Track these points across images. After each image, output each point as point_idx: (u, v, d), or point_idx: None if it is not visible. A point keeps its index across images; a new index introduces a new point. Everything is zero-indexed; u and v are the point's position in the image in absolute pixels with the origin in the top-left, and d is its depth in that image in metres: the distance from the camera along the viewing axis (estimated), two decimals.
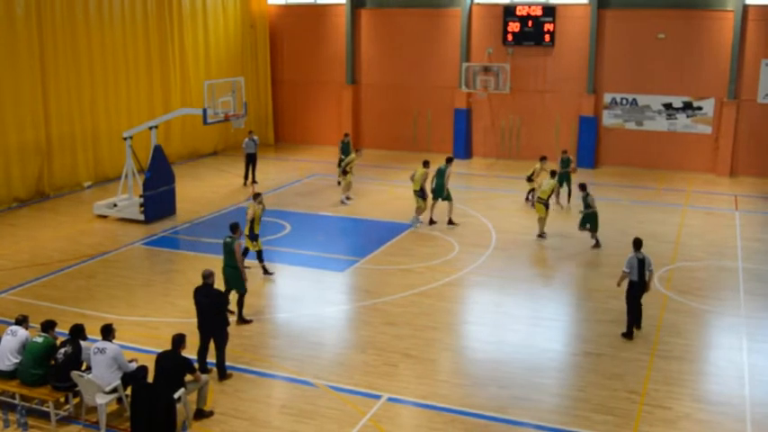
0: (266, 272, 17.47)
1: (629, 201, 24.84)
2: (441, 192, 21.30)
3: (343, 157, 25.26)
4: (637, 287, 14.26)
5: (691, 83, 28.71)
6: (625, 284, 14.41)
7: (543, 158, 23.42)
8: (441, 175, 21.28)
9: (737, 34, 27.55)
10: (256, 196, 17.53)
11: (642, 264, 14.19)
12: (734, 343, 14.25)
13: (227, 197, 24.97)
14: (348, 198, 24.22)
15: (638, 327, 14.54)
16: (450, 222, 21.41)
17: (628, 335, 14.31)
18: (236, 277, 14.61)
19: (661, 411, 11.73)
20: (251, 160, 26.55)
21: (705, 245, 20.10)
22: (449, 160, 21.67)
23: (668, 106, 29.17)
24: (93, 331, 13.16)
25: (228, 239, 14.65)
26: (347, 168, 23.86)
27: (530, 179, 23.25)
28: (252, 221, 16.92)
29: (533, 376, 12.84)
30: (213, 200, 24.36)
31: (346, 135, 27.07)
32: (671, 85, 28.98)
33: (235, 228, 14.94)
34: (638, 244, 14.39)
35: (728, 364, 13.35)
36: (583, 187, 19.92)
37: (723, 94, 28.33)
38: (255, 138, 26.75)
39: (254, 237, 16.98)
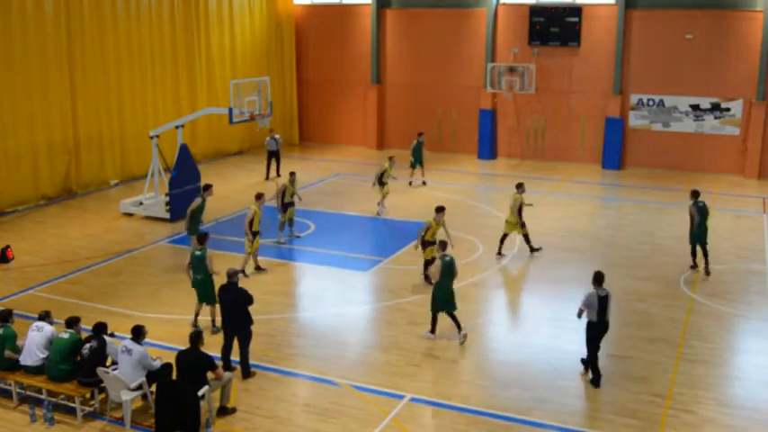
0: (259, 268, 17.92)
1: (655, 203, 24.61)
2: None
3: (412, 159, 26.41)
4: (596, 328, 12.43)
5: (719, 84, 28.39)
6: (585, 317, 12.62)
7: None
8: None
9: (767, 35, 27.19)
10: (259, 197, 17.78)
11: (604, 301, 12.34)
12: (761, 347, 14.10)
13: (252, 196, 25.00)
14: (383, 208, 23.06)
15: (596, 384, 12.43)
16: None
17: (594, 381, 12.52)
18: (207, 287, 14.17)
19: (686, 415, 11.62)
20: (273, 157, 28.03)
21: (732, 248, 19.87)
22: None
23: (696, 107, 28.87)
24: (117, 328, 13.31)
25: (198, 252, 14.16)
26: (384, 179, 22.78)
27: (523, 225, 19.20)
28: (251, 221, 17.26)
29: (557, 378, 12.78)
30: (238, 199, 24.44)
31: (420, 135, 26.85)
32: (698, 87, 28.67)
33: (202, 239, 14.46)
34: (599, 278, 12.46)
35: (755, 369, 13.20)
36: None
37: (752, 96, 27.97)
38: (277, 136, 27.96)
39: (253, 234, 17.31)
